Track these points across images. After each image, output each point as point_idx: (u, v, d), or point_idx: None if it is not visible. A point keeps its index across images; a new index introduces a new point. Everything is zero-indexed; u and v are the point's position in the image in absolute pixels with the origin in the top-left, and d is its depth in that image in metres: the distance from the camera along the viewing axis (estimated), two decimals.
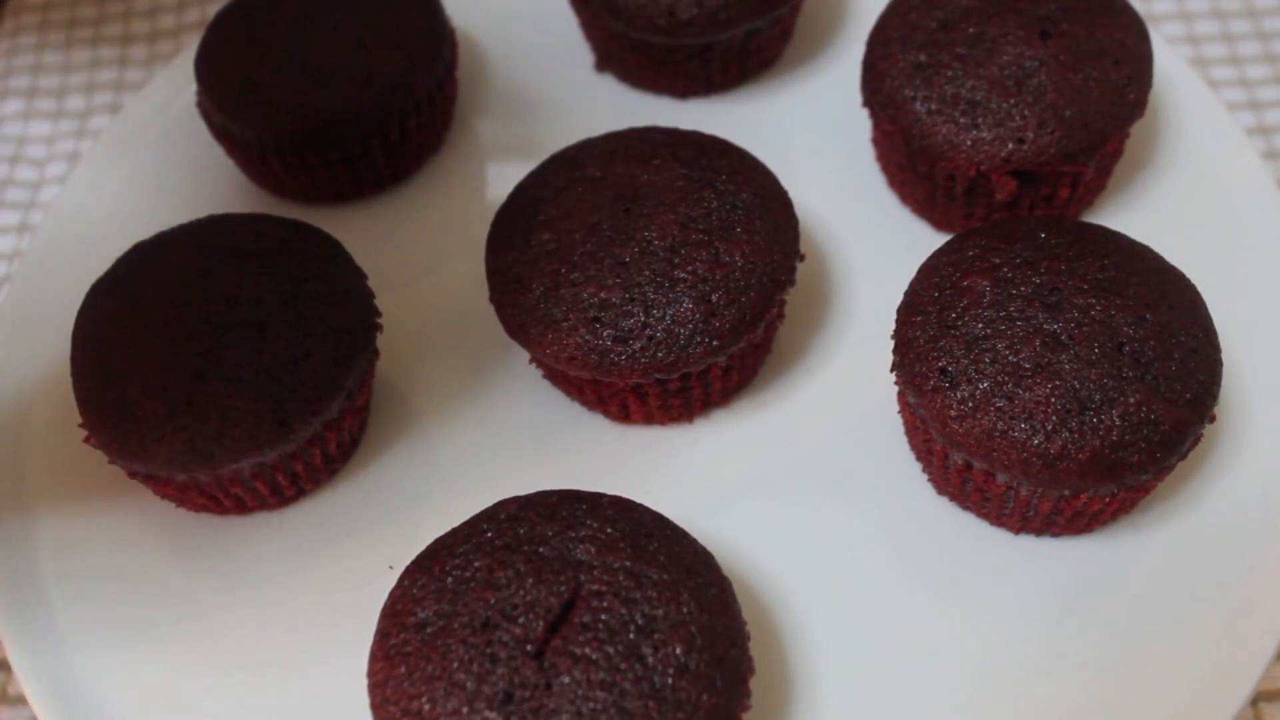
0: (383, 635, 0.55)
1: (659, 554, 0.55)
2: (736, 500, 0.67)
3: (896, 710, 0.60)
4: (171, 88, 0.85)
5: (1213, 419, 0.60)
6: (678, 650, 0.53)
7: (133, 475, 0.66)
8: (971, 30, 0.71)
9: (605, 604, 0.53)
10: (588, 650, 0.52)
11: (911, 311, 0.64)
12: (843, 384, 0.71)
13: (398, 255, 0.77)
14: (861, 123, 0.80)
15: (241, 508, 0.67)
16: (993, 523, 0.65)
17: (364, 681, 0.56)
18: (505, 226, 0.68)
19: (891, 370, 0.64)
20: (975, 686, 0.61)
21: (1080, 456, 0.58)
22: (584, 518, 0.57)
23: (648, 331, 0.63)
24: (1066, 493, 0.60)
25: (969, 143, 0.69)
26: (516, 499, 0.59)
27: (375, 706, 0.54)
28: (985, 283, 0.62)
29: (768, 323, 0.67)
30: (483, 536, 0.56)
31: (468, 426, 0.71)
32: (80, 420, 0.64)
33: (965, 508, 0.66)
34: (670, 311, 0.63)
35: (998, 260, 0.63)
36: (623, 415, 0.69)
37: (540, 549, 0.55)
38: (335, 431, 0.66)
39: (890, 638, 0.62)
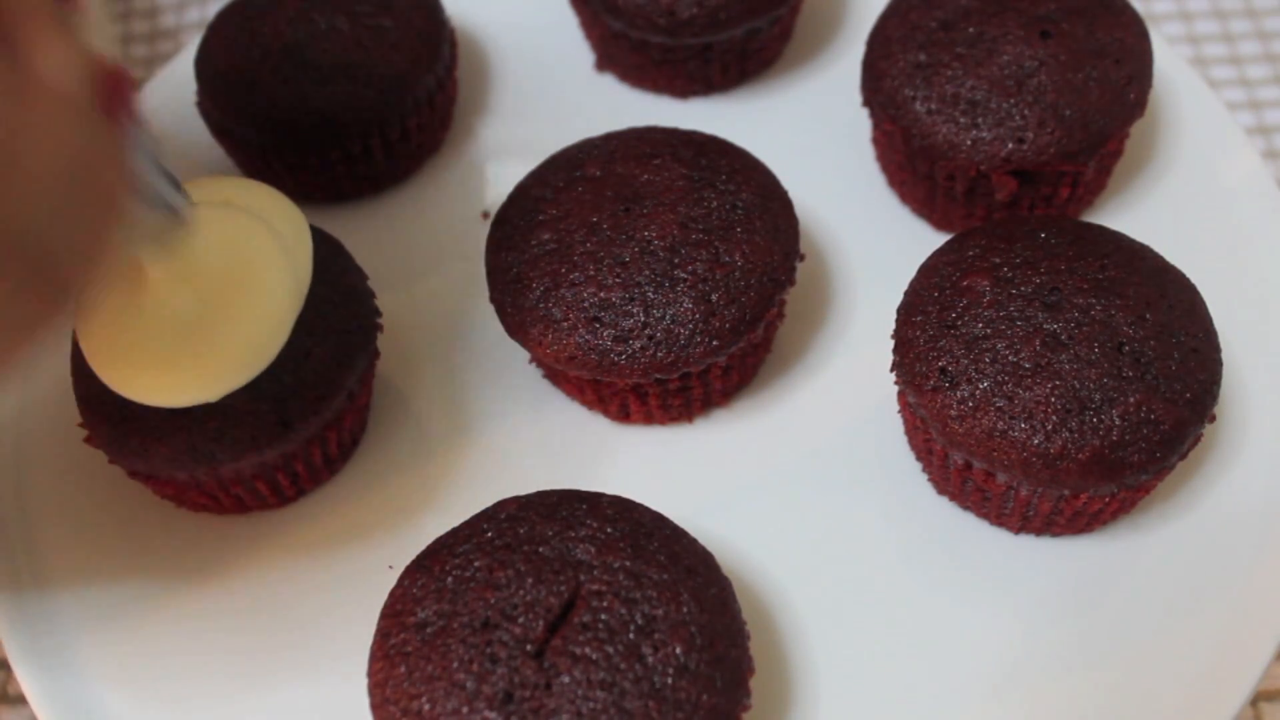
0: (382, 635, 0.55)
1: (659, 554, 0.55)
2: (736, 500, 0.67)
3: (896, 710, 0.60)
4: (171, 88, 0.85)
5: (1213, 419, 0.60)
6: (678, 650, 0.53)
7: (133, 475, 0.66)
8: (971, 30, 0.71)
9: (605, 604, 0.53)
10: (588, 650, 0.52)
11: (911, 311, 0.64)
12: (843, 384, 0.71)
13: (397, 255, 0.77)
14: (861, 123, 0.80)
15: (241, 507, 0.67)
16: (993, 523, 0.65)
17: (364, 681, 0.56)
18: (505, 226, 0.68)
19: (891, 370, 0.64)
20: (975, 686, 0.61)
21: (1080, 456, 0.58)
22: (584, 518, 0.57)
23: (648, 331, 0.63)
24: (1066, 493, 0.60)
25: (969, 142, 0.69)
26: (516, 499, 0.59)
27: (375, 706, 0.54)
28: (985, 282, 0.62)
29: (768, 323, 0.67)
30: (483, 536, 0.56)
31: (468, 426, 0.71)
32: (80, 420, 0.64)
33: (965, 508, 0.66)
34: (670, 311, 0.63)
35: (998, 260, 0.63)
36: (623, 415, 0.69)
37: (540, 549, 0.55)
38: (336, 431, 0.66)
39: (890, 637, 0.62)
